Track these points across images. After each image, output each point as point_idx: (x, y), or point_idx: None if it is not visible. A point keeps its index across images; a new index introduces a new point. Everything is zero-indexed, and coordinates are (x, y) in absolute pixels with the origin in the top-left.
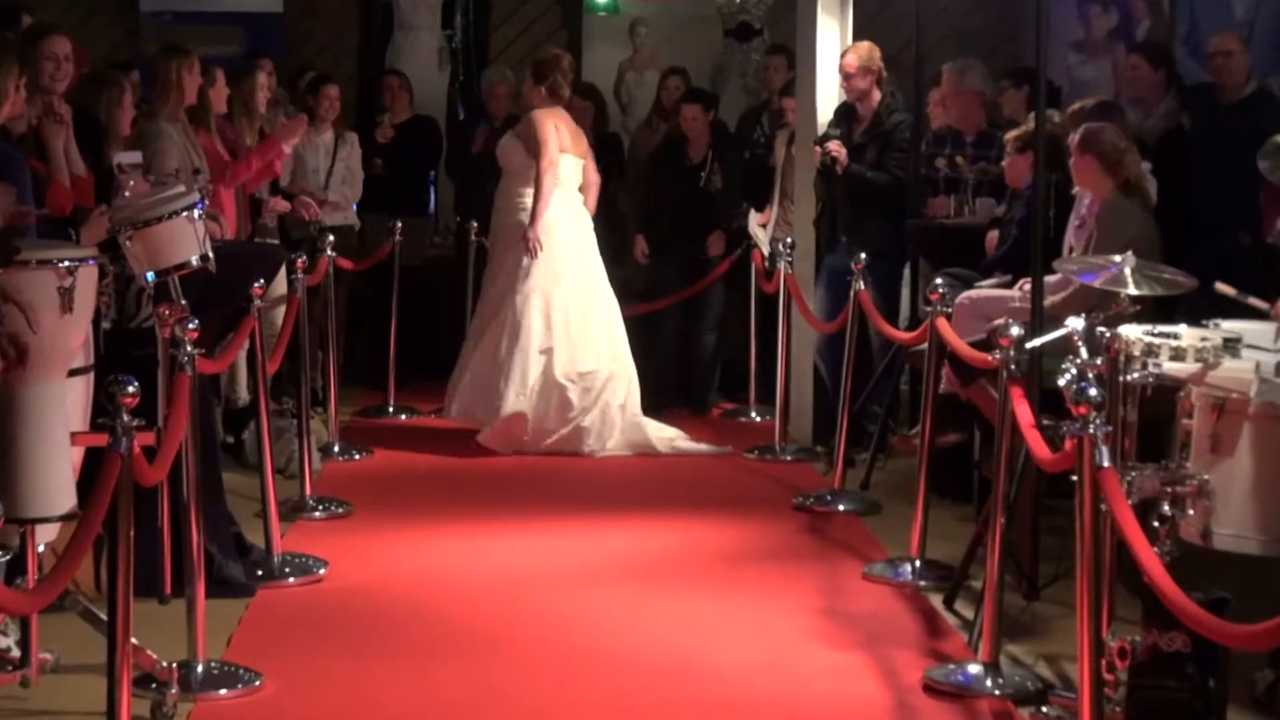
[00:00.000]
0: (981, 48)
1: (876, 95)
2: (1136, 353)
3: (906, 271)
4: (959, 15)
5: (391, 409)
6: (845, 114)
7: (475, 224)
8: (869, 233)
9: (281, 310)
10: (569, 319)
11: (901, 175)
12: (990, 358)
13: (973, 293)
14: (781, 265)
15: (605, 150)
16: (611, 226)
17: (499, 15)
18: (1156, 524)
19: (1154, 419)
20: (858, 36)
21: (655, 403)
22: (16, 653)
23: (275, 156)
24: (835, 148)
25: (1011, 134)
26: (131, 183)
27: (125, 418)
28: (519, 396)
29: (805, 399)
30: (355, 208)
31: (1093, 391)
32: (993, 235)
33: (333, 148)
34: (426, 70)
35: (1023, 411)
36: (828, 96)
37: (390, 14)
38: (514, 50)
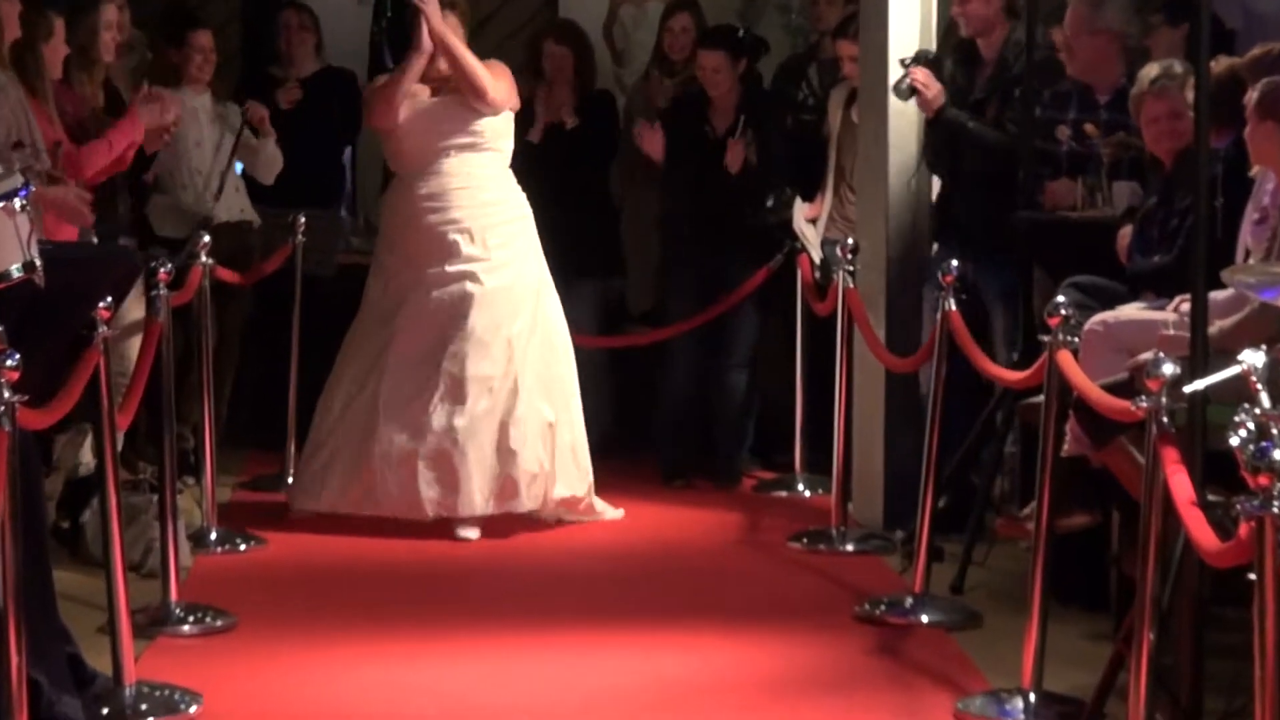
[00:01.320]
0: None
1: (1003, 28)
2: None
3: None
4: None
5: (291, 479)
6: (964, 54)
7: None
8: (979, 224)
9: (137, 341)
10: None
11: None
12: (1133, 407)
13: (1109, 315)
14: (840, 277)
15: (592, 114)
16: (603, 221)
17: None
18: None
19: None
20: None
21: (664, 470)
22: None
23: (129, 144)
24: (923, 77)
25: (1146, 73)
26: None
27: None
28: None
29: (873, 465)
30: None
31: (1277, 454)
32: (1126, 231)
33: (214, 116)
34: (341, 2)
35: (1179, 483)
36: (906, 35)
37: None
38: None
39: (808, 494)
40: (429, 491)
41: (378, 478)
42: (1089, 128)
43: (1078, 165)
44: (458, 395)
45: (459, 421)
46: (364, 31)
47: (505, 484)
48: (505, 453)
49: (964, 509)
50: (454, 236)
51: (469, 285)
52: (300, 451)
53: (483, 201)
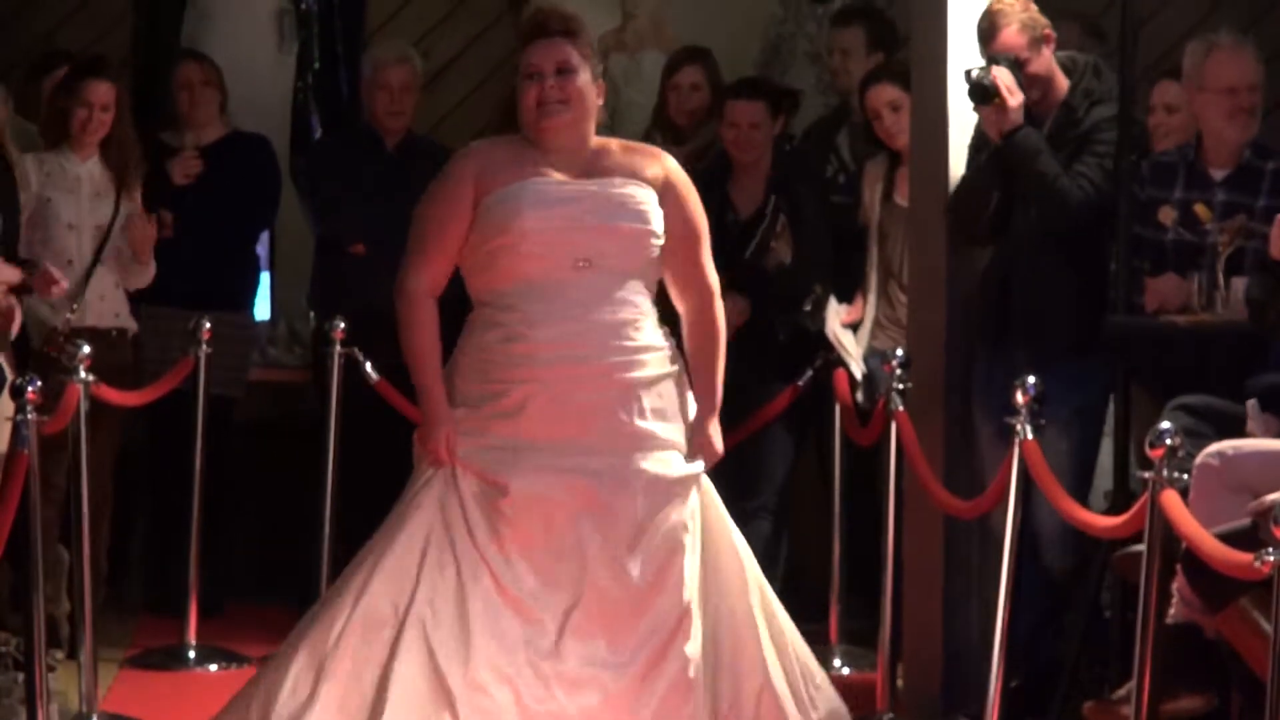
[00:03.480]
0: (1235, 8)
1: (1061, 79)
2: None
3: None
4: None
5: (193, 653)
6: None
7: (343, 325)
8: (1048, 310)
9: None
10: None
11: (1094, 190)
12: (1258, 562)
13: (1227, 445)
14: (889, 398)
15: None
16: None
17: None
18: None
19: None
20: None
21: None
22: None
23: None
24: (1008, 80)
25: None
26: None
27: None
28: None
29: (929, 634)
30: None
31: None
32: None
33: (109, 189)
34: (254, 52)
35: None
36: (962, 98)
37: None
38: (415, 13)
39: (847, 671)
40: None
41: None
42: (1200, 209)
43: (1187, 257)
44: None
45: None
46: (284, 87)
47: None
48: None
49: (1043, 690)
50: (609, 399)
51: (628, 471)
52: (202, 612)
53: (640, 344)
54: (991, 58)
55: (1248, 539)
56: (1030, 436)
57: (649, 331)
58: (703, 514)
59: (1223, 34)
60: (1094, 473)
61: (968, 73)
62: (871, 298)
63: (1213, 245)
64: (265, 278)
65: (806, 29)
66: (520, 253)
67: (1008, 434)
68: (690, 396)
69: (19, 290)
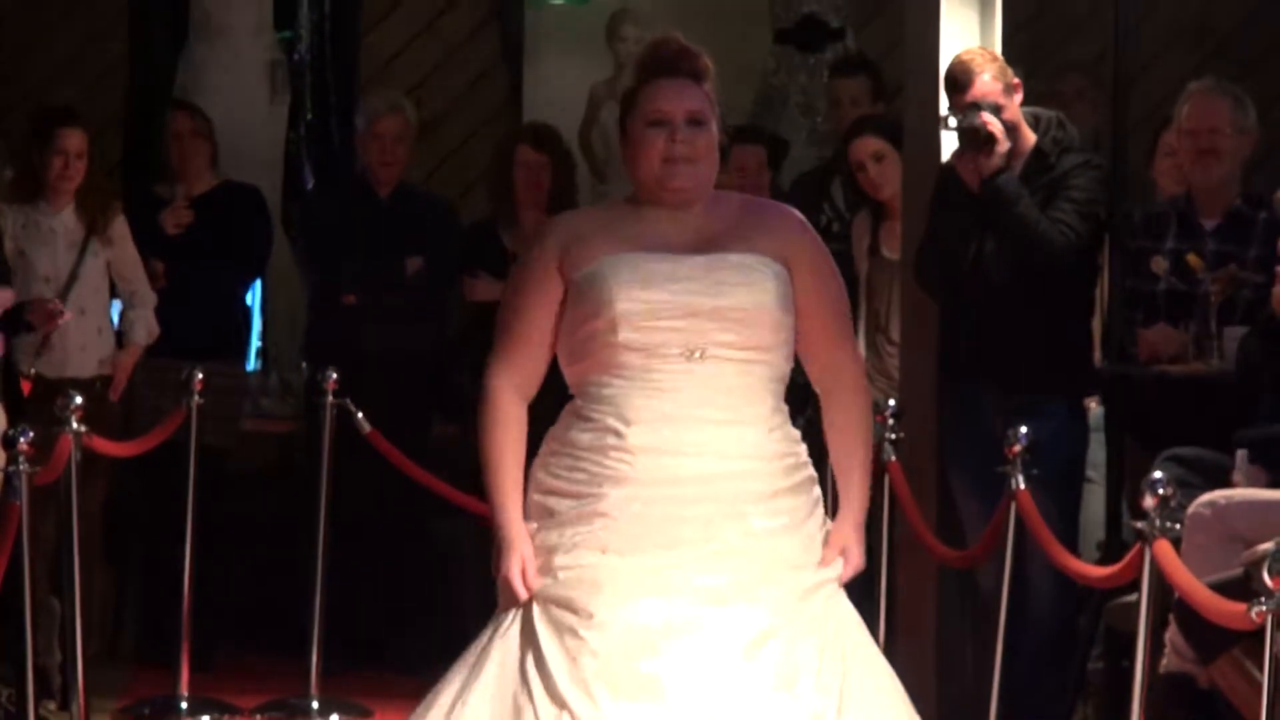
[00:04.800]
0: (1237, 54)
1: (1027, 130)
2: None
3: (1098, 451)
4: None
5: (185, 704)
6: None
7: (335, 375)
8: (1030, 357)
9: None
10: None
11: (1073, 234)
12: (1251, 611)
13: (1219, 495)
14: (882, 448)
15: None
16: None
17: (379, 4)
18: None
19: None
20: (1015, 34)
21: None
22: None
23: None
24: (998, 126)
25: None
26: None
27: None
28: None
29: (924, 685)
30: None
31: None
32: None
33: (82, 238)
34: (246, 102)
35: None
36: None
37: (181, 6)
38: (407, 64)
39: None
40: None
41: None
42: (1192, 259)
43: (1179, 307)
44: None
45: None
46: (276, 138)
47: None
48: None
49: None
50: (711, 514)
51: (739, 591)
52: (194, 663)
53: (759, 450)
54: (974, 104)
55: (1240, 589)
56: (1022, 487)
57: (772, 434)
58: (842, 637)
59: (1206, 79)
60: (1079, 523)
61: (953, 119)
62: (860, 351)
63: (1205, 295)
64: (257, 328)
65: (799, 80)
66: (616, 340)
67: (980, 485)
68: (819, 503)
69: (8, 329)
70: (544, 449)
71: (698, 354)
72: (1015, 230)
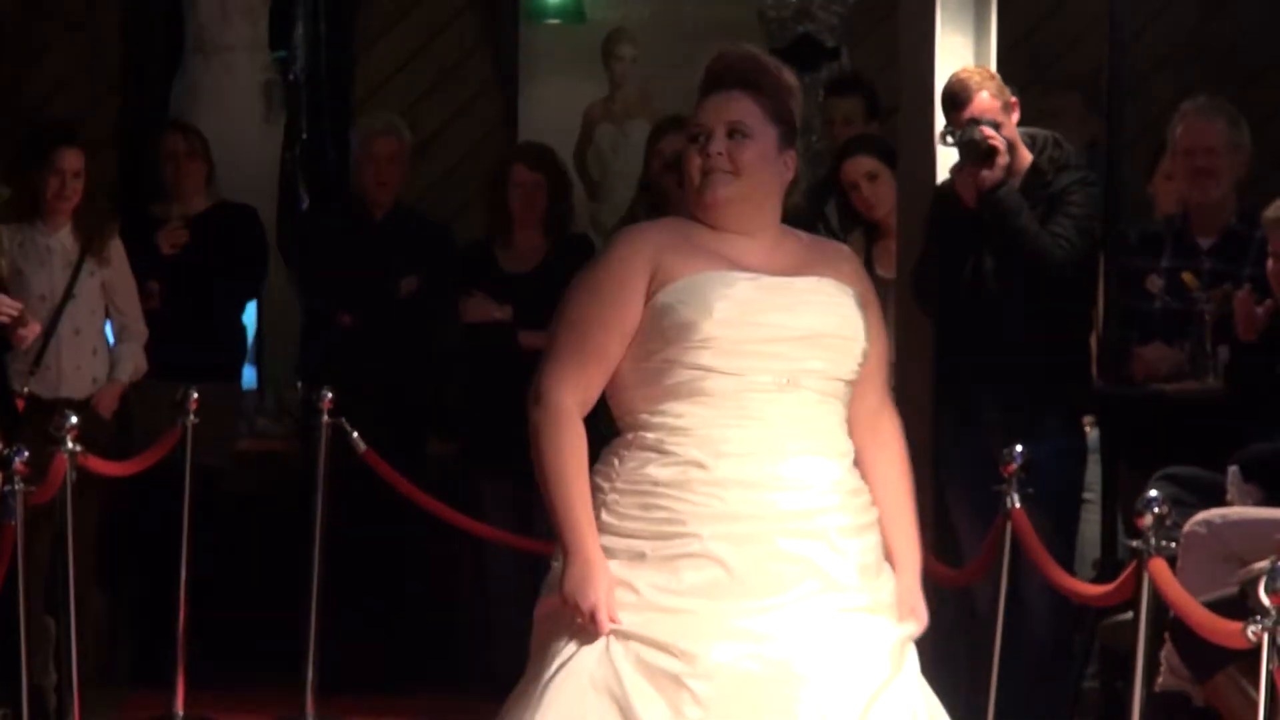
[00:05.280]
0: (1232, 70)
1: (1024, 149)
2: None
3: (1094, 471)
4: (1193, 12)
5: None
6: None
7: (330, 395)
8: (1029, 372)
9: None
10: None
11: (1072, 249)
12: (1246, 630)
13: (1214, 514)
14: None
15: (568, 264)
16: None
17: (374, 25)
18: None
19: None
20: (1011, 52)
21: None
22: None
23: None
24: (999, 140)
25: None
26: None
27: None
28: None
29: None
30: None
31: None
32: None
33: (76, 258)
34: (242, 124)
35: None
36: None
37: (176, 26)
38: (402, 84)
39: None
40: None
41: None
42: (1188, 278)
43: (1175, 326)
44: None
45: None
46: (271, 158)
47: None
48: None
49: None
50: (811, 551)
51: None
52: (190, 683)
53: (844, 485)
54: (973, 120)
55: (1236, 607)
56: (1018, 505)
57: (852, 470)
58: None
59: (1200, 98)
60: (1075, 541)
61: (955, 135)
62: None
63: (1200, 314)
64: (251, 348)
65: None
66: (704, 364)
67: (976, 503)
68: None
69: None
70: (600, 487)
71: (787, 381)
72: (1015, 243)
